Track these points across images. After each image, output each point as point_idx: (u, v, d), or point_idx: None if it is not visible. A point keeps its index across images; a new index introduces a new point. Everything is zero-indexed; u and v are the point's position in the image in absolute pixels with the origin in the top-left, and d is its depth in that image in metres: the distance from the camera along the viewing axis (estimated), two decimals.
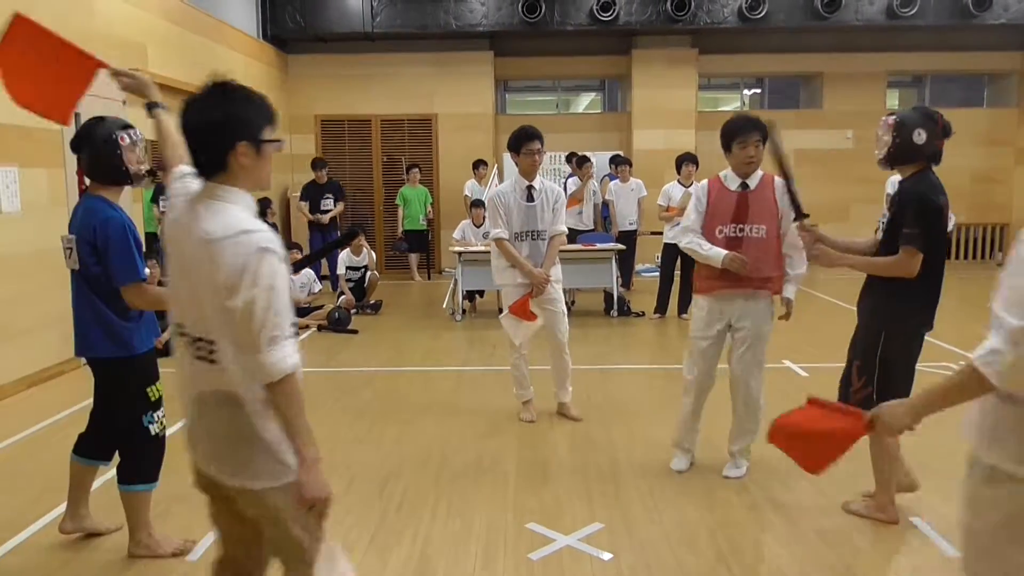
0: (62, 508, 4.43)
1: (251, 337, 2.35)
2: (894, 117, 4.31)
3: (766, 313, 5.16)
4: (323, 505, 2.51)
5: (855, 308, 4.56)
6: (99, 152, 3.95)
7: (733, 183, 5.06)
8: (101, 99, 8.64)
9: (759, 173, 5.06)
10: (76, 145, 4.02)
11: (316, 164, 13.65)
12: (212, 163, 2.50)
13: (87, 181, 4.07)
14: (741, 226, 5.00)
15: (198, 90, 2.55)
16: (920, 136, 4.18)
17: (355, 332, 10.14)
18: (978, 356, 2.21)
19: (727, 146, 5.01)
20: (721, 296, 5.11)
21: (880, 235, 4.37)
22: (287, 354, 2.39)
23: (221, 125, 2.49)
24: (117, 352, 3.98)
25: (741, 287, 5.04)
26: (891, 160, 4.32)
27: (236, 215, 2.46)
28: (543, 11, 14.35)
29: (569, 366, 6.53)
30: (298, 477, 2.45)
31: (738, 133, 4.99)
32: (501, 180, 12.67)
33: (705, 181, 5.23)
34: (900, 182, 4.38)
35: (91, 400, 4.26)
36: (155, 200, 11.19)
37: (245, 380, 2.43)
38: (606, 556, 4.16)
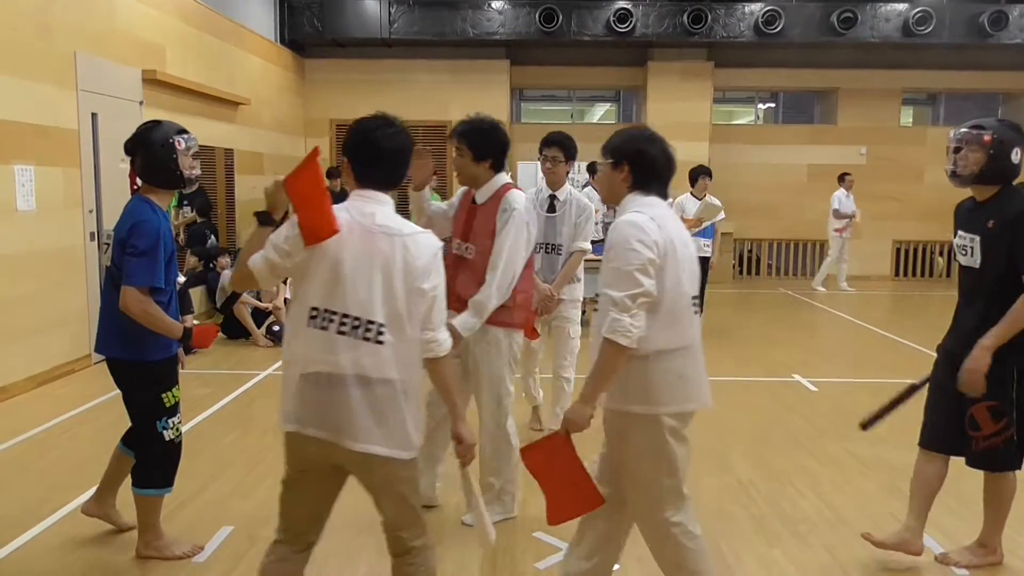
0: (72, 506, 4.45)
1: (432, 317, 2.94)
2: (990, 132, 3.86)
3: (490, 350, 4.48)
4: (474, 451, 3.11)
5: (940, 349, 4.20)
6: (155, 155, 3.95)
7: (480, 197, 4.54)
8: (118, 99, 8.72)
9: (493, 187, 4.50)
10: (131, 148, 4.03)
11: (331, 173, 13.69)
12: (401, 177, 3.08)
13: (139, 182, 4.07)
14: (466, 244, 4.53)
15: (375, 120, 3.02)
16: (1016, 155, 3.86)
17: None
18: (604, 331, 3.00)
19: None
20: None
21: (976, 259, 3.93)
22: (448, 334, 3.02)
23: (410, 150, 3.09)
24: (130, 355, 3.96)
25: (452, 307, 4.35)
26: (979, 179, 3.92)
27: (399, 216, 3.02)
28: (560, 21, 14.39)
29: (567, 391, 6.09)
30: (456, 429, 3.08)
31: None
32: None
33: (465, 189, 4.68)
34: (979, 202, 4.00)
35: (102, 399, 4.27)
36: (179, 205, 11.28)
37: (410, 359, 2.91)
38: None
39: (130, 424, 4.25)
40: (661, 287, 3.05)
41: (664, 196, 3.30)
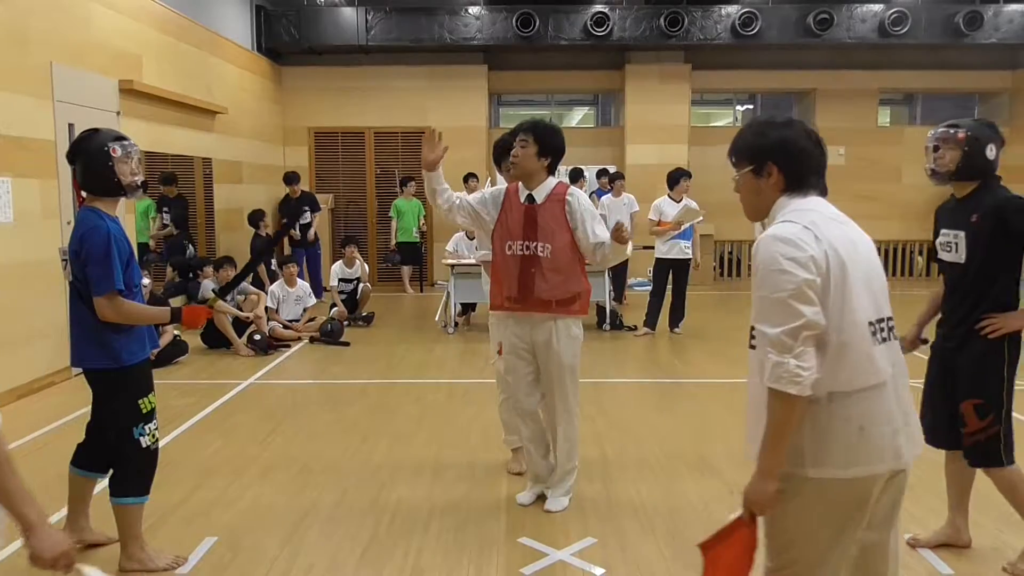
0: (53, 519, 4.39)
1: None
2: (963, 130, 3.96)
3: (568, 339, 4.74)
4: (71, 556, 2.37)
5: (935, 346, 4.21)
6: (92, 163, 3.94)
7: (523, 194, 4.68)
8: (95, 110, 8.67)
9: (549, 186, 4.69)
10: (71, 156, 4.02)
11: (289, 178, 13.52)
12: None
13: (84, 193, 4.06)
14: (529, 244, 4.62)
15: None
16: (991, 151, 3.95)
17: (347, 344, 10.11)
18: (767, 379, 2.39)
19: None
20: (504, 317, 4.75)
21: (962, 255, 4.00)
22: None
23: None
24: (106, 363, 3.96)
25: (532, 308, 4.65)
26: (958, 175, 3.99)
27: None
28: (537, 25, 14.41)
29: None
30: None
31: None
32: None
33: (505, 186, 4.85)
34: (960, 199, 4.06)
35: (83, 411, 4.24)
36: (158, 212, 11.21)
37: None
38: (599, 571, 4.14)
39: (74, 443, 4.27)
40: (827, 314, 2.43)
41: (822, 192, 2.79)
